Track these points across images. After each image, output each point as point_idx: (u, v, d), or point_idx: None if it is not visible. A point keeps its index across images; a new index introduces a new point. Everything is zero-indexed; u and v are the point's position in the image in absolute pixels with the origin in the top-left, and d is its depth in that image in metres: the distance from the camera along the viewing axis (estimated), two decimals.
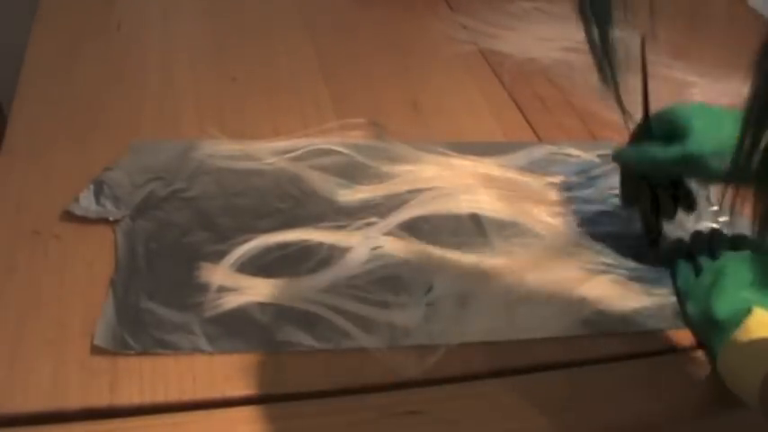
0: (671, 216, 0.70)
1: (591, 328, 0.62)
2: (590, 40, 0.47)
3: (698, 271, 0.61)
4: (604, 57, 0.48)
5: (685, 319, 0.59)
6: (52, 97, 0.83)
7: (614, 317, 0.63)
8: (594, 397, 0.57)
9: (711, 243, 0.64)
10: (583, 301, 0.64)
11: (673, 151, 0.65)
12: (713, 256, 0.61)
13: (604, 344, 0.61)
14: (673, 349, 0.62)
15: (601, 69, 0.50)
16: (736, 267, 0.58)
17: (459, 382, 0.57)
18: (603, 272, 0.68)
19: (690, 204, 0.70)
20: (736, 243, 0.63)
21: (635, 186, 0.70)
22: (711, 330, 0.56)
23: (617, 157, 0.71)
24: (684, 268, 0.62)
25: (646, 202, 0.70)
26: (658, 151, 0.66)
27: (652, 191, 0.69)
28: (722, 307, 0.55)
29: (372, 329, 0.59)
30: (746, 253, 0.60)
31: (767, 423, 0.50)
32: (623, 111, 0.60)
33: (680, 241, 0.67)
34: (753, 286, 0.57)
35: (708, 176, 0.67)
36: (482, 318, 0.61)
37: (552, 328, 0.61)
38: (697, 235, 0.66)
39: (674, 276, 0.63)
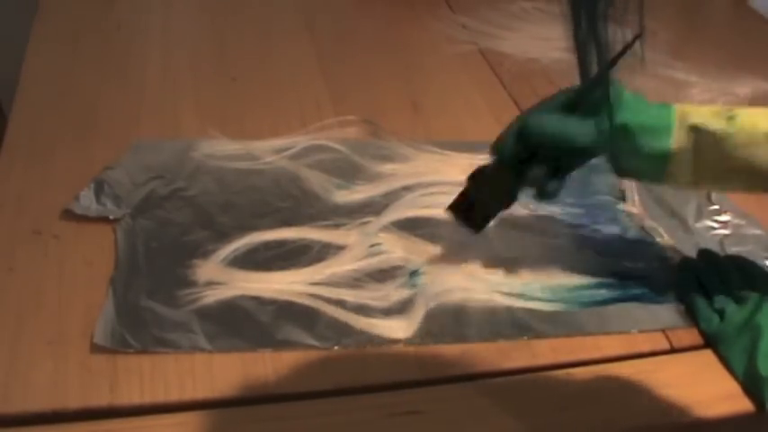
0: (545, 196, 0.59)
1: (590, 328, 0.62)
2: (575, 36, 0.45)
3: (719, 311, 0.62)
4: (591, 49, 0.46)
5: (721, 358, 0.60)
6: (52, 97, 0.83)
7: (613, 317, 0.63)
8: (594, 397, 0.57)
9: (723, 278, 0.64)
10: (582, 302, 0.64)
11: (598, 124, 0.55)
12: (728, 291, 0.62)
13: (604, 344, 0.61)
14: (672, 349, 0.62)
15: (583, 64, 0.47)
16: None
17: (459, 382, 0.57)
18: (600, 272, 0.68)
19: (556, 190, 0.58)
20: (748, 276, 0.63)
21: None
22: (758, 383, 0.57)
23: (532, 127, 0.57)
24: (704, 308, 0.63)
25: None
26: (579, 125, 0.56)
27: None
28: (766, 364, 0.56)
29: (371, 328, 0.59)
30: None
31: None
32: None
33: (688, 270, 0.66)
34: None
35: (631, 155, 0.58)
36: (482, 317, 0.61)
37: (552, 327, 0.61)
38: (705, 269, 0.65)
39: (691, 310, 0.64)
